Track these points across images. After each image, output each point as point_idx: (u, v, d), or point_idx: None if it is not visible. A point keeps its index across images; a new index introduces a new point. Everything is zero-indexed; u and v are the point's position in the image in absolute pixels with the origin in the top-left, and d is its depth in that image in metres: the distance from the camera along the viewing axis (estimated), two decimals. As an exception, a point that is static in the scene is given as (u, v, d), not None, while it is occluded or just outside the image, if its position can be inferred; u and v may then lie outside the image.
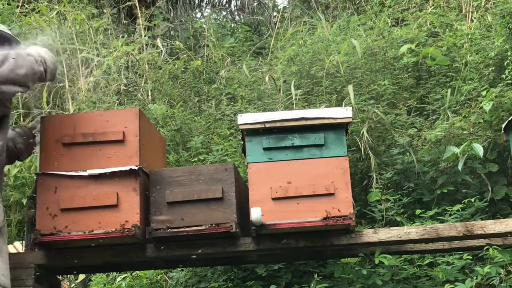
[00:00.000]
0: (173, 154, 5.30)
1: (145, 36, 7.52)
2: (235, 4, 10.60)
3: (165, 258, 3.47)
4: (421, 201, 4.50)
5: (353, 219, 3.23)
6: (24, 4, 7.68)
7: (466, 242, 3.58)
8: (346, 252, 3.66)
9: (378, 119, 4.86)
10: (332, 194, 3.26)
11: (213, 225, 3.23)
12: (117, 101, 6.41)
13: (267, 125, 3.37)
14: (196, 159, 5.15)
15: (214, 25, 8.86)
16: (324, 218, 3.23)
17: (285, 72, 6.11)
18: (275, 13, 9.86)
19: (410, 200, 4.36)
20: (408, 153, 4.63)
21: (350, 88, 4.98)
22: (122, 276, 4.39)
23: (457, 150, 4.30)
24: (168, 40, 8.70)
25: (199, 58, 7.29)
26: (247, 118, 3.40)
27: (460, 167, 4.29)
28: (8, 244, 4.87)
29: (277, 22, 8.42)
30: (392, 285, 3.80)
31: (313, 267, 4.11)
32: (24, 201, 5.09)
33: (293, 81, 5.66)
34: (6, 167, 3.44)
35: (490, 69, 5.11)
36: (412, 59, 5.55)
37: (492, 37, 5.42)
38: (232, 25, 10.21)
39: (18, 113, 6.45)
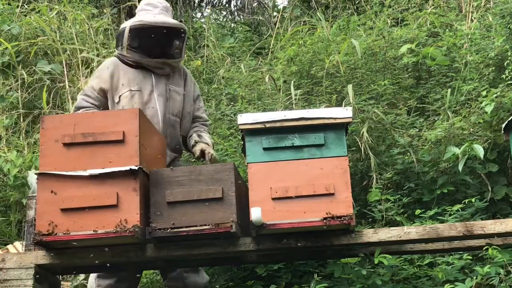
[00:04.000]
0: (173, 154, 5.29)
1: (145, 36, 7.49)
2: (235, 4, 10.59)
3: (165, 258, 3.47)
4: (421, 201, 4.50)
5: (353, 219, 3.23)
6: (24, 4, 7.68)
7: (466, 242, 3.58)
8: (346, 252, 3.65)
9: (378, 119, 4.86)
10: (332, 194, 3.26)
11: (213, 225, 3.22)
12: (117, 101, 6.39)
13: (267, 125, 3.37)
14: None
15: (214, 25, 8.85)
16: (324, 218, 3.22)
17: (285, 72, 6.11)
18: (275, 13, 9.85)
19: (410, 200, 4.36)
20: (408, 153, 4.63)
21: (349, 88, 4.98)
22: (122, 276, 4.38)
23: (457, 150, 4.30)
24: (168, 40, 8.67)
25: (199, 58, 7.30)
26: (247, 118, 3.40)
27: (460, 167, 4.29)
28: (8, 244, 4.89)
29: (277, 22, 8.42)
30: (392, 285, 3.80)
31: (313, 267, 4.11)
32: (24, 201, 5.09)
33: (293, 81, 5.66)
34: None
35: (490, 69, 5.11)
36: (412, 59, 5.55)
37: (492, 37, 5.42)
38: (232, 25, 10.20)
39: (18, 113, 6.45)
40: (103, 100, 3.98)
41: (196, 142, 3.98)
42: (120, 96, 3.94)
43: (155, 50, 3.99)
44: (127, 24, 4.02)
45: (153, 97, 3.95)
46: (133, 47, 3.97)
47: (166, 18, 4.01)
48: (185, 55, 4.19)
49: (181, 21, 4.03)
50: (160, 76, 4.01)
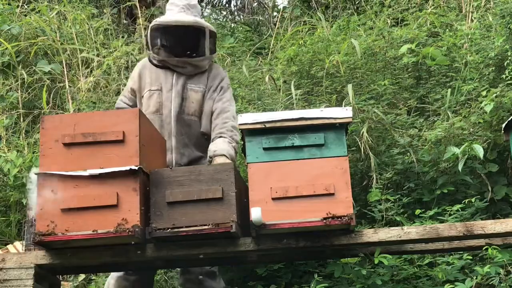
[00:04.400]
0: (173, 154, 5.29)
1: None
2: (235, 4, 10.60)
3: (165, 258, 3.47)
4: (421, 201, 4.50)
5: (353, 219, 3.22)
6: (24, 4, 7.68)
7: (466, 242, 3.58)
8: (346, 252, 3.65)
9: (378, 119, 4.86)
10: (332, 194, 3.26)
11: (213, 225, 3.22)
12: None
13: (267, 125, 3.37)
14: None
15: (214, 25, 8.85)
16: (324, 218, 3.22)
17: (285, 72, 6.11)
18: (275, 13, 9.85)
19: (410, 200, 4.35)
20: (408, 153, 4.63)
21: (349, 88, 4.98)
22: (122, 276, 4.38)
23: (457, 150, 4.30)
24: (168, 40, 8.66)
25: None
26: (247, 118, 3.40)
27: (460, 167, 4.29)
28: (8, 244, 4.89)
29: (277, 22, 8.42)
30: (392, 285, 3.80)
31: (313, 267, 4.11)
32: (24, 201, 5.09)
33: (293, 81, 5.66)
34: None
35: (490, 69, 5.11)
36: (412, 59, 5.55)
37: (492, 37, 5.42)
38: (232, 25, 10.19)
39: (18, 113, 6.45)
40: (135, 100, 4.05)
41: (211, 158, 3.81)
42: (143, 96, 4.00)
43: (177, 49, 4.01)
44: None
45: (170, 96, 3.96)
46: (160, 47, 4.02)
47: (183, 17, 3.99)
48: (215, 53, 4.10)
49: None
50: (181, 75, 4.00)
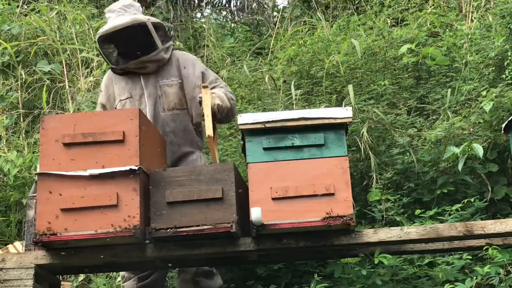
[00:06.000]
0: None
1: (145, 36, 7.49)
2: (235, 4, 10.59)
3: (165, 258, 3.48)
4: (421, 201, 4.50)
5: (353, 219, 3.22)
6: (24, 4, 7.69)
7: (466, 242, 3.58)
8: (346, 252, 3.65)
9: (378, 119, 4.86)
10: (332, 194, 3.26)
11: (213, 225, 3.22)
12: (117, 101, 6.39)
13: (267, 125, 3.37)
14: (196, 159, 5.13)
15: (214, 25, 8.86)
16: (324, 218, 3.22)
17: (285, 72, 6.11)
18: (275, 13, 9.86)
19: (410, 200, 4.35)
20: (408, 153, 4.63)
21: (350, 88, 4.98)
22: (122, 276, 4.38)
23: (457, 150, 4.30)
24: (168, 40, 8.66)
25: (199, 58, 7.29)
26: (247, 118, 3.40)
27: (460, 167, 4.28)
28: (8, 244, 4.89)
29: (277, 22, 8.42)
30: (392, 285, 3.80)
31: (313, 267, 4.11)
32: (24, 201, 5.10)
33: (293, 81, 5.66)
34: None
35: (490, 69, 5.11)
36: (412, 59, 5.55)
37: (492, 37, 5.42)
38: (232, 25, 10.20)
39: (18, 113, 6.45)
40: None
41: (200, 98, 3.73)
42: (116, 108, 3.97)
43: (133, 52, 3.93)
44: None
45: (143, 101, 3.92)
46: (118, 55, 3.97)
47: (119, 20, 3.87)
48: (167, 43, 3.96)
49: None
50: (149, 75, 3.95)
